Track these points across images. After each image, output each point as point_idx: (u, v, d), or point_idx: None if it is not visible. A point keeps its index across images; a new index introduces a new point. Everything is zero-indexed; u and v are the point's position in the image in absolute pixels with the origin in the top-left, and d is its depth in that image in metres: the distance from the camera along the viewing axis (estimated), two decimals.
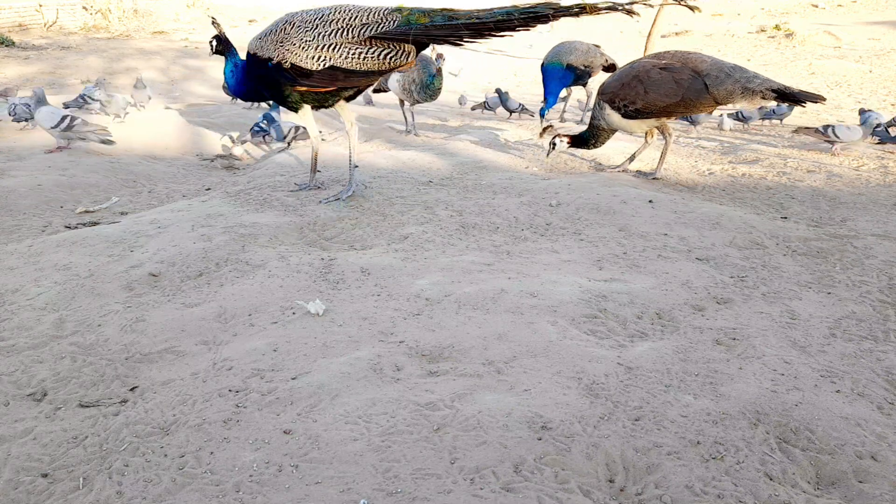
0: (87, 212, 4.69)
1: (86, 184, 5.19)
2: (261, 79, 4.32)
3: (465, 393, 2.28)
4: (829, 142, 5.96)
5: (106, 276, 3.33)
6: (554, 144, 5.30)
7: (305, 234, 3.99)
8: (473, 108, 9.47)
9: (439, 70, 6.17)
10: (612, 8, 4.12)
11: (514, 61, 15.94)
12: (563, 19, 4.25)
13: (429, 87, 6.21)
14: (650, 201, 4.38)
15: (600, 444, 2.03)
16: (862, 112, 6.44)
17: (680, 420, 2.15)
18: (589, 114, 7.82)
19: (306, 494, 1.84)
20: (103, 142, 5.82)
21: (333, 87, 4.30)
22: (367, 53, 4.10)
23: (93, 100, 7.07)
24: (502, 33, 4.18)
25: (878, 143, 6.21)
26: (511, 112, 8.38)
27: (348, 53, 4.09)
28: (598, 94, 5.09)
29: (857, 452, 2.01)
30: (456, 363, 2.50)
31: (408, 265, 3.44)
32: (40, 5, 15.45)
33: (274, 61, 4.16)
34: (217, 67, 5.52)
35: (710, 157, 5.93)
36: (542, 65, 7.34)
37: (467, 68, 14.56)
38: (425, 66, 6.31)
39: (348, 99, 4.59)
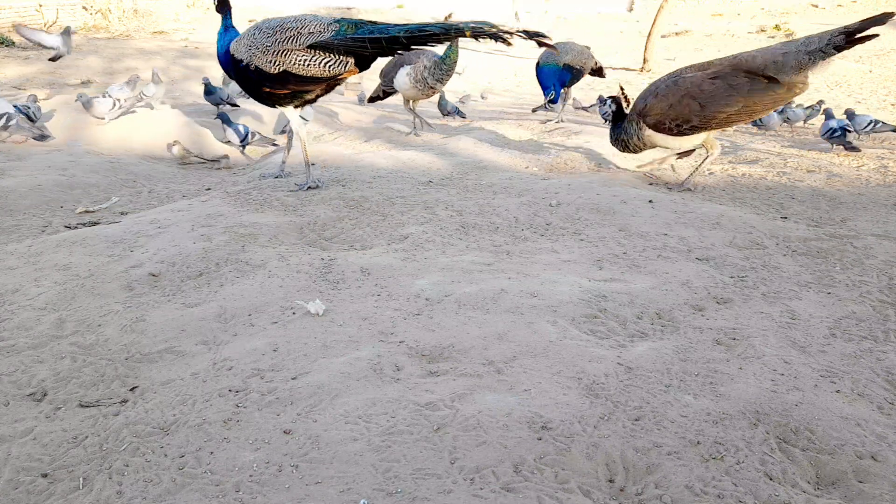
0: (87, 212, 4.70)
1: (86, 184, 5.19)
2: (238, 77, 4.70)
3: (465, 393, 2.28)
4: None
5: (106, 276, 3.33)
6: (617, 101, 4.91)
7: (305, 234, 3.99)
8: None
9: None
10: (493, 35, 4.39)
11: (514, 61, 15.94)
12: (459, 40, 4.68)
13: (444, 61, 6.16)
14: (650, 201, 4.38)
15: (600, 444, 2.03)
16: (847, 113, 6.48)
17: (680, 420, 2.15)
18: (574, 113, 7.88)
19: (306, 494, 1.84)
20: (36, 138, 5.95)
21: (289, 90, 4.67)
22: (310, 61, 4.45)
23: (110, 96, 7.00)
24: (413, 47, 4.52)
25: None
26: (446, 115, 8.31)
27: (296, 60, 4.44)
28: (636, 114, 4.75)
29: (857, 452, 2.01)
30: (456, 363, 2.50)
31: (408, 265, 3.44)
32: (40, 5, 15.45)
33: (244, 63, 4.53)
34: (217, 68, 5.52)
35: (724, 158, 5.92)
36: (538, 65, 7.33)
37: (469, 67, 14.57)
38: (431, 55, 6.29)
39: (310, 102, 4.94)
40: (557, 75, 7.19)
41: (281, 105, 4.80)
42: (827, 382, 2.38)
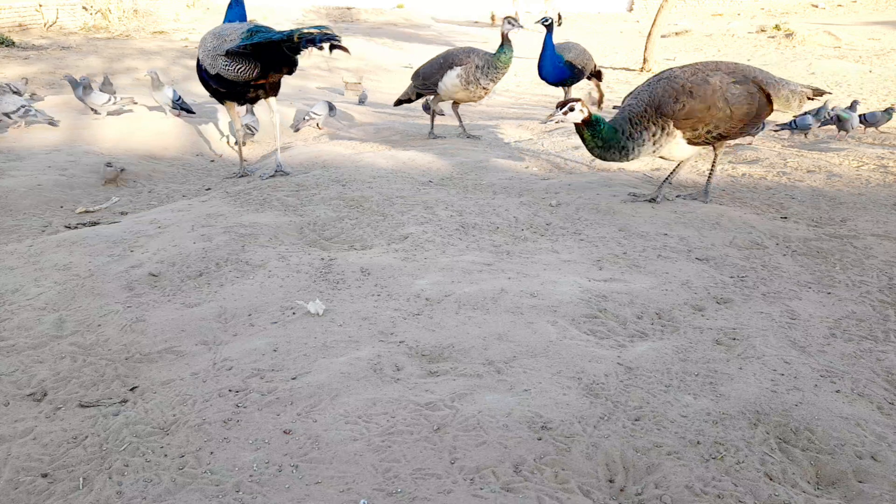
0: (87, 212, 4.70)
1: (86, 184, 5.19)
2: (198, 74, 5.03)
3: (465, 393, 2.28)
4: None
5: (106, 276, 3.33)
6: (571, 108, 3.83)
7: (305, 234, 3.99)
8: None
9: (505, 38, 5.98)
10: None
11: (514, 61, 15.96)
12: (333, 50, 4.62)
13: (500, 58, 6.11)
14: (650, 201, 4.38)
15: (600, 444, 2.03)
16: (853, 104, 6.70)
17: (680, 420, 2.15)
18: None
19: (306, 494, 1.84)
20: None
21: (225, 90, 4.94)
22: (228, 66, 4.66)
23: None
24: (297, 52, 4.61)
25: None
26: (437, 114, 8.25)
27: (220, 64, 4.68)
28: (659, 115, 3.92)
29: (857, 452, 2.01)
30: (456, 363, 2.50)
31: (408, 265, 3.44)
32: (40, 5, 15.42)
33: (199, 61, 4.90)
34: None
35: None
36: (540, 61, 7.34)
37: None
38: (483, 54, 6.27)
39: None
40: (559, 68, 7.20)
41: (225, 99, 5.06)
42: (827, 382, 2.38)
